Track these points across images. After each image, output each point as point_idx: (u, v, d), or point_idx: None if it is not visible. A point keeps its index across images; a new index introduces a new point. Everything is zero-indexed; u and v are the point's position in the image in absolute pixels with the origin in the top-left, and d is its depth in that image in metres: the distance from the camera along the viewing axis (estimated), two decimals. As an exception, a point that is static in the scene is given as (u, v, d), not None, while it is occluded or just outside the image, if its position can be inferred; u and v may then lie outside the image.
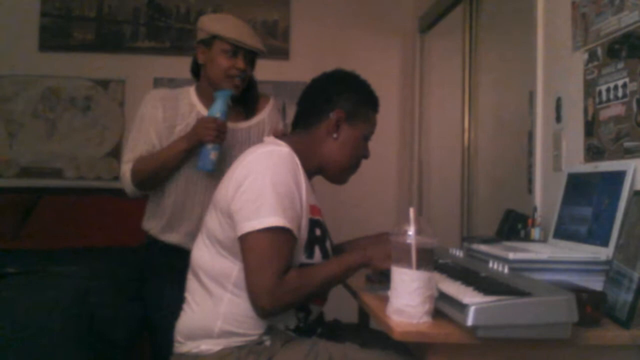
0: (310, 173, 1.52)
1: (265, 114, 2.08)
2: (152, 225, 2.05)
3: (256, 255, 1.32)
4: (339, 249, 1.65)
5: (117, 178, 3.74)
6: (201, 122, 1.87)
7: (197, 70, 2.06)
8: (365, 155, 1.59)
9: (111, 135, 3.84)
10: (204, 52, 1.97)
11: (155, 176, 1.94)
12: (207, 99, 1.97)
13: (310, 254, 1.43)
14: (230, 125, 1.96)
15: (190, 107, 2.00)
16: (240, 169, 1.41)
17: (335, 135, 1.52)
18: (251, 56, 1.98)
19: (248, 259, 1.34)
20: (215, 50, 1.93)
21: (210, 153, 1.86)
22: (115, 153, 3.83)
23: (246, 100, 2.05)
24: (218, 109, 1.88)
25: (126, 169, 1.95)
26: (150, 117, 1.96)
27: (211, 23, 1.97)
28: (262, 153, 1.44)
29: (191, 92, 2.03)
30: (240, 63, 1.93)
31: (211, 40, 1.94)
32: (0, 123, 3.78)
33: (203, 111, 1.98)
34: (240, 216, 1.35)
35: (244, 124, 2.03)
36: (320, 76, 1.60)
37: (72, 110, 3.83)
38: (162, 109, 1.96)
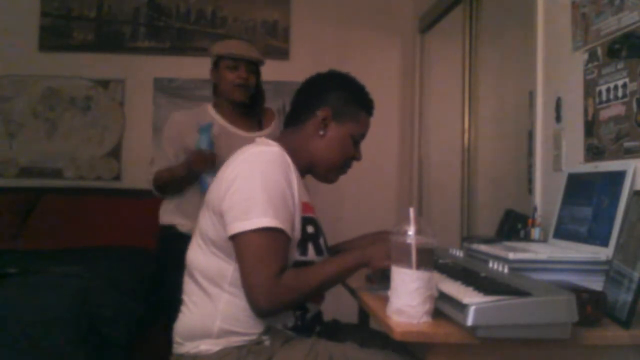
0: (301, 171, 1.53)
1: (274, 128, 2.39)
2: (178, 220, 2.33)
3: (250, 256, 1.32)
4: (337, 249, 1.65)
5: (116, 178, 3.79)
6: (192, 156, 2.18)
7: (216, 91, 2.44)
8: (356, 157, 1.59)
9: (111, 135, 3.84)
10: (214, 73, 2.36)
11: (168, 188, 2.34)
12: (225, 113, 2.37)
13: (303, 251, 1.43)
14: (243, 134, 2.32)
15: (211, 121, 2.31)
16: (230, 170, 1.42)
17: (321, 133, 1.52)
18: (252, 67, 2.33)
19: (243, 260, 1.34)
20: (221, 68, 2.32)
21: (208, 178, 2.10)
22: (115, 153, 3.83)
23: (252, 111, 2.39)
24: (203, 142, 2.20)
25: (150, 179, 2.35)
26: (169, 139, 2.35)
27: (215, 48, 2.37)
28: (252, 153, 1.44)
29: (209, 109, 2.38)
30: (242, 73, 2.29)
31: (217, 61, 2.33)
32: (0, 123, 3.78)
33: (223, 123, 2.34)
34: (231, 216, 1.35)
35: (254, 134, 2.29)
36: (313, 75, 1.61)
37: (72, 110, 3.83)
38: (179, 133, 2.31)
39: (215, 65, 2.35)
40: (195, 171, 2.19)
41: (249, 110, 2.38)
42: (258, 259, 1.31)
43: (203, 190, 2.09)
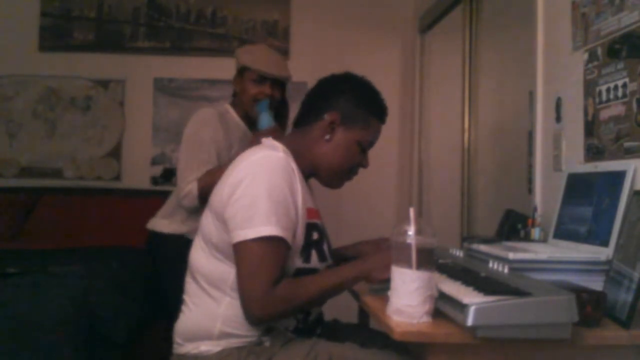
0: (306, 174, 1.51)
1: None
2: (188, 226, 2.18)
3: (248, 264, 1.31)
4: (338, 254, 1.64)
5: (116, 178, 3.78)
6: (265, 134, 2.01)
7: None
8: (362, 164, 1.55)
9: (111, 135, 3.84)
10: (237, 81, 2.25)
11: None
12: (243, 115, 2.26)
13: (306, 257, 1.41)
14: None
15: (237, 127, 2.26)
16: (234, 175, 1.39)
17: (327, 137, 1.49)
18: (279, 82, 2.22)
19: (240, 267, 1.33)
20: (245, 79, 2.21)
21: None
22: (115, 153, 3.83)
23: (278, 120, 2.23)
24: (267, 118, 2.13)
25: (192, 187, 2.08)
26: (211, 138, 2.14)
27: (242, 55, 2.24)
28: (256, 159, 1.41)
29: (232, 112, 2.28)
30: (267, 89, 2.18)
31: (242, 70, 2.22)
32: (0, 123, 3.78)
33: (242, 125, 2.26)
34: (234, 224, 1.34)
35: None
36: (327, 77, 1.56)
37: (72, 110, 3.83)
38: (222, 131, 2.17)
39: (240, 73, 2.23)
40: None
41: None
42: (255, 268, 1.30)
43: None
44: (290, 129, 2.33)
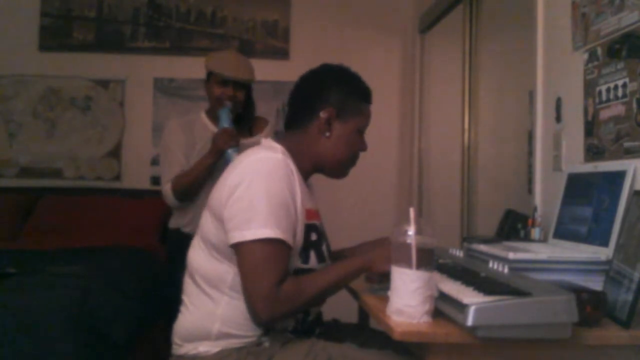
0: (306, 173, 1.51)
1: (266, 134, 2.48)
2: (180, 221, 2.45)
3: (251, 265, 1.31)
4: (339, 256, 1.64)
5: (116, 178, 3.79)
6: (217, 135, 2.30)
7: None
8: (362, 148, 1.56)
9: (111, 135, 3.84)
10: (206, 84, 2.46)
11: (192, 188, 2.36)
12: (216, 119, 2.43)
13: (305, 258, 1.42)
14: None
15: (204, 128, 2.46)
16: (234, 175, 1.39)
17: (327, 134, 1.49)
18: (241, 84, 2.41)
19: (243, 269, 1.33)
20: (211, 82, 2.42)
21: (232, 155, 2.20)
22: (115, 153, 3.83)
23: (242, 120, 2.46)
24: (225, 121, 2.33)
25: (167, 188, 2.39)
26: (175, 144, 2.43)
27: (208, 61, 2.45)
28: (255, 160, 1.41)
29: (203, 117, 2.51)
30: (229, 90, 2.39)
31: (209, 75, 2.43)
32: (0, 123, 3.78)
33: (213, 129, 2.42)
34: (233, 225, 1.34)
35: (247, 140, 2.35)
36: (307, 74, 1.56)
37: (72, 110, 3.83)
38: (183, 135, 2.44)
39: (208, 77, 2.43)
40: (222, 149, 2.27)
41: (237, 119, 2.42)
42: (257, 269, 1.30)
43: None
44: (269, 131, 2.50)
